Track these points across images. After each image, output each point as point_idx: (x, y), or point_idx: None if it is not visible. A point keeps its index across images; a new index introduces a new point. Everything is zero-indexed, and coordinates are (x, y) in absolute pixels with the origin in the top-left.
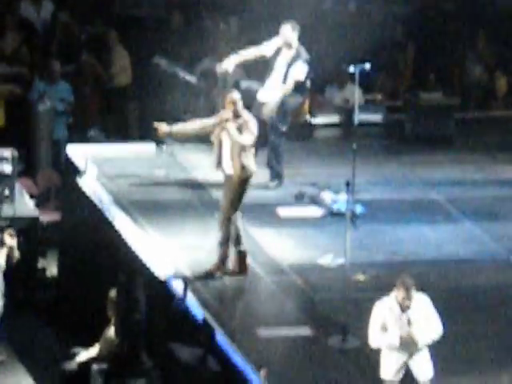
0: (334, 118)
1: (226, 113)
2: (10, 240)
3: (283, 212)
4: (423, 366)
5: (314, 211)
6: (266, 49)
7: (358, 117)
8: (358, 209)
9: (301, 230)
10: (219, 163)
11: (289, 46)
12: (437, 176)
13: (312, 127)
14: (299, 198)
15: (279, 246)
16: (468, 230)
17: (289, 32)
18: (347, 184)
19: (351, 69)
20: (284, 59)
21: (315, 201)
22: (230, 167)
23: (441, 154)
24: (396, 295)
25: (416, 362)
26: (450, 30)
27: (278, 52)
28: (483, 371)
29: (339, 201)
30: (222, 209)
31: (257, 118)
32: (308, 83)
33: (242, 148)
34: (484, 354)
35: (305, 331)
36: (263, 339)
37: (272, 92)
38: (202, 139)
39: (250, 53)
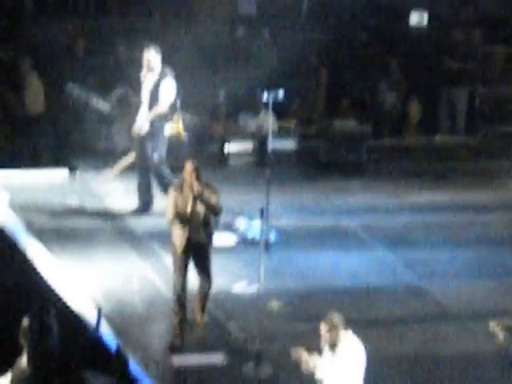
0: (248, 145)
1: (194, 184)
2: None
3: None
4: None
5: (229, 238)
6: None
7: (272, 144)
8: (272, 236)
9: (215, 258)
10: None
11: (152, 69)
12: (350, 203)
13: (226, 154)
14: (214, 225)
15: (193, 274)
16: (380, 256)
17: (152, 55)
18: (261, 211)
19: (264, 96)
20: (149, 84)
21: (229, 228)
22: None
23: (354, 181)
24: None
25: None
26: (363, 57)
27: (143, 80)
28: None
29: (253, 228)
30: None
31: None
32: (178, 102)
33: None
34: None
35: (218, 359)
36: (176, 367)
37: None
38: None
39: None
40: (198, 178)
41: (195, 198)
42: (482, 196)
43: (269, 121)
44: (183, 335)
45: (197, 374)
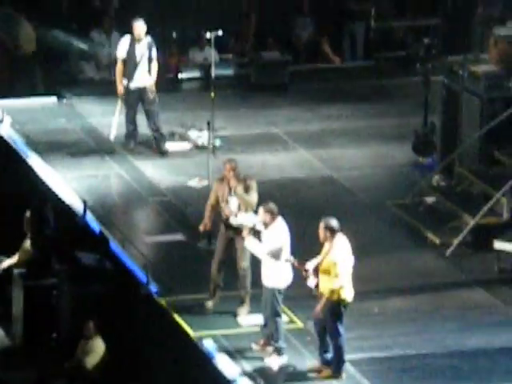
0: (196, 73)
1: (232, 181)
2: None
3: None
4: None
5: (184, 146)
6: (122, 52)
7: (215, 72)
8: (217, 142)
9: (173, 161)
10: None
11: (141, 39)
12: (277, 115)
13: (179, 81)
14: (171, 136)
15: (157, 174)
16: (301, 155)
17: (141, 27)
18: (208, 123)
19: (208, 35)
20: (140, 50)
21: (184, 138)
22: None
23: (279, 99)
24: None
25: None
26: (284, 2)
27: (132, 47)
28: None
29: (202, 137)
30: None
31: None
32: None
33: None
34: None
35: (179, 237)
36: (147, 245)
37: (145, 78)
38: (96, 92)
39: (120, 65)
40: (235, 175)
41: (230, 191)
42: (377, 106)
43: (212, 54)
44: None
45: (163, 249)
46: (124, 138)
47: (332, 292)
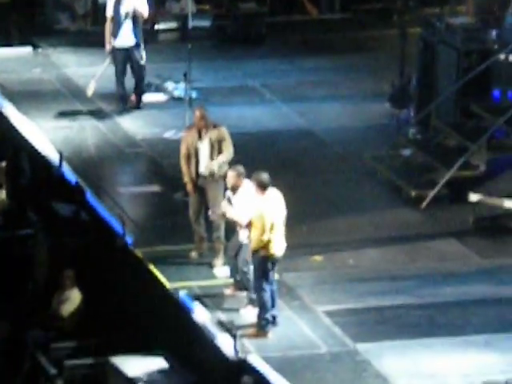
0: (173, 24)
1: (202, 128)
2: None
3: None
4: None
5: (160, 97)
6: (110, 10)
7: (192, 23)
8: (194, 94)
9: (150, 112)
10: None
11: None
12: (253, 67)
13: (156, 32)
14: (148, 87)
15: (133, 125)
16: (278, 107)
17: None
18: (184, 75)
19: None
20: (125, 9)
21: (160, 89)
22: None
23: (256, 50)
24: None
25: None
26: None
27: (117, 5)
28: None
29: (179, 88)
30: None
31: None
32: None
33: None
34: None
35: (155, 188)
36: (123, 195)
37: (130, 37)
38: (72, 42)
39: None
40: (205, 122)
41: (200, 138)
42: (355, 58)
43: (189, 5)
44: None
45: (140, 200)
46: (116, 99)
47: (258, 245)
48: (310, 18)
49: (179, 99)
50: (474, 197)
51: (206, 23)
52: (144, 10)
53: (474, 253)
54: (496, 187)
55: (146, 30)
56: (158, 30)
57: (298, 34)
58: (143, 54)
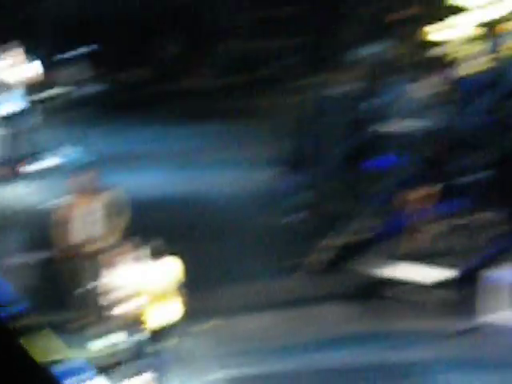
0: (62, 91)
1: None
2: None
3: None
4: None
5: (47, 163)
6: None
7: (81, 89)
8: (83, 160)
9: (29, 182)
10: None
11: None
12: (143, 134)
13: (46, 98)
14: (35, 155)
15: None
16: (170, 174)
17: None
18: (74, 142)
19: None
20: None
21: (47, 156)
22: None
23: (146, 117)
24: None
25: None
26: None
27: None
28: None
29: (67, 155)
30: None
31: None
32: None
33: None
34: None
35: (42, 255)
36: (8, 265)
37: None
38: None
39: None
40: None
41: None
42: (245, 124)
43: (79, 71)
44: None
45: (28, 265)
46: None
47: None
48: (198, 85)
49: (68, 166)
50: (358, 263)
51: (95, 89)
52: (33, 76)
53: (356, 317)
54: (380, 253)
55: (35, 96)
56: (48, 97)
57: (187, 101)
58: (32, 120)
